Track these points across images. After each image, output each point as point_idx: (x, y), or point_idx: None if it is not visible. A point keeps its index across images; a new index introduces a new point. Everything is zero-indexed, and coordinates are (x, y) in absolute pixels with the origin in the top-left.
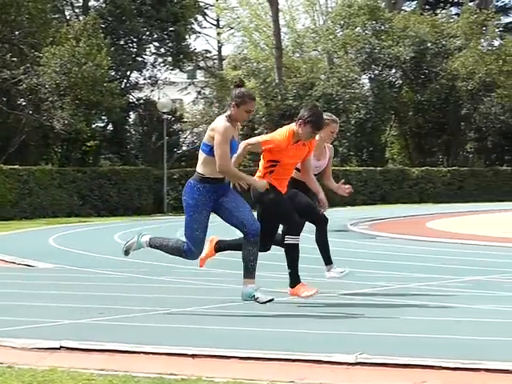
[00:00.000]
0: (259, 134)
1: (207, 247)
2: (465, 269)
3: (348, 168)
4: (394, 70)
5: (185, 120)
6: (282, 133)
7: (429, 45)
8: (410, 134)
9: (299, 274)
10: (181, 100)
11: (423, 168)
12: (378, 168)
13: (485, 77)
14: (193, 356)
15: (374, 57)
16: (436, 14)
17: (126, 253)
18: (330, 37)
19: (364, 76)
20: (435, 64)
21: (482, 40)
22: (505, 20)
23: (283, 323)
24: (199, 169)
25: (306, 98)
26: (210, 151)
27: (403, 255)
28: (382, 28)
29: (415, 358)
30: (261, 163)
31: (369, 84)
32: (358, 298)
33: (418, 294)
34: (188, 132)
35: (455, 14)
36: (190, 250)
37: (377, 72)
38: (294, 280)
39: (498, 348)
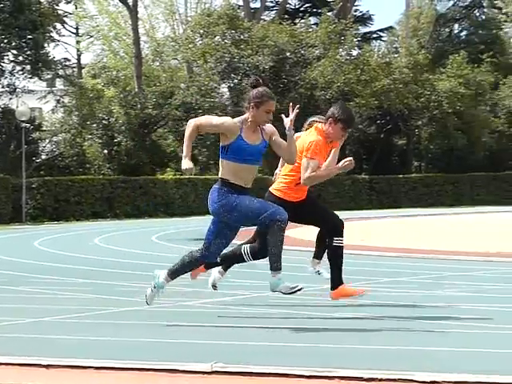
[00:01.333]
0: (119, 144)
1: None
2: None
3: (208, 177)
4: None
5: (44, 129)
6: (315, 134)
7: (288, 54)
8: None
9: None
10: (40, 108)
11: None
12: None
13: (343, 86)
14: (47, 366)
15: (233, 66)
16: (295, 24)
17: (150, 302)
18: (190, 46)
19: (223, 85)
20: (294, 73)
21: (341, 49)
22: (363, 30)
23: (139, 332)
24: (221, 174)
25: (165, 106)
26: (222, 152)
27: (264, 264)
28: (242, 37)
29: (270, 367)
30: (288, 169)
31: (228, 93)
32: (217, 306)
33: (276, 302)
34: (47, 141)
35: (314, 24)
36: (204, 256)
37: (236, 81)
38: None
39: (354, 355)
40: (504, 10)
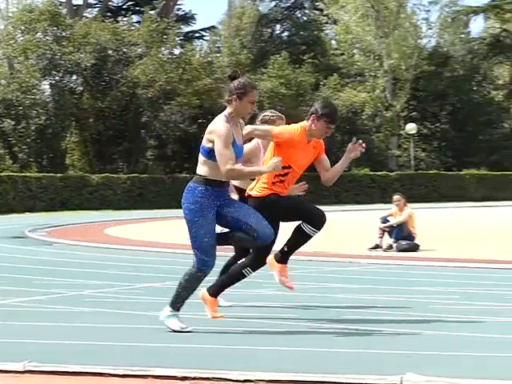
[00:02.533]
0: None
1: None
2: (140, 276)
3: (28, 174)
4: (75, 77)
5: None
6: (295, 127)
7: (110, 52)
8: (91, 141)
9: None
10: None
11: (103, 175)
12: (59, 174)
13: (165, 85)
14: None
15: (54, 63)
16: (118, 22)
17: (186, 331)
18: (11, 42)
19: (45, 82)
20: (116, 71)
21: (163, 48)
22: (185, 29)
23: None
24: (200, 170)
25: None
26: (207, 154)
27: (80, 262)
28: (64, 34)
29: (86, 366)
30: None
31: (50, 90)
32: (32, 304)
33: (92, 300)
34: None
35: (137, 22)
36: (202, 261)
37: (58, 78)
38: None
39: (168, 354)
40: (325, 12)
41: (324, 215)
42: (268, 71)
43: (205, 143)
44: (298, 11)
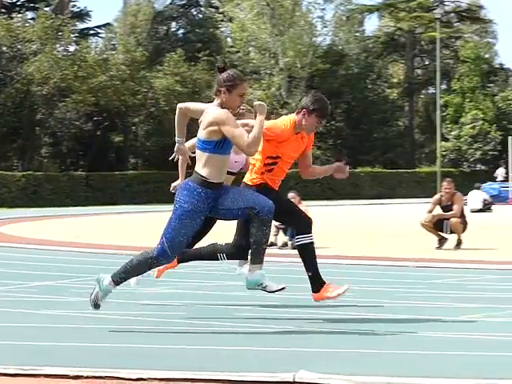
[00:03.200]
0: None
1: None
2: (34, 274)
3: None
4: None
5: None
6: (285, 121)
7: (4, 49)
8: None
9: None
10: None
11: None
12: None
13: (60, 82)
14: None
15: None
16: (12, 18)
17: (96, 306)
18: None
19: None
20: (10, 68)
21: (58, 45)
22: (80, 26)
23: None
24: (202, 171)
25: None
26: (215, 148)
27: None
28: None
29: None
30: (257, 160)
31: None
32: None
33: None
34: None
35: (31, 19)
36: (164, 253)
37: None
38: (316, 282)
39: (60, 353)
40: (221, 10)
41: (311, 219)
42: (163, 69)
43: (208, 137)
44: (193, 9)
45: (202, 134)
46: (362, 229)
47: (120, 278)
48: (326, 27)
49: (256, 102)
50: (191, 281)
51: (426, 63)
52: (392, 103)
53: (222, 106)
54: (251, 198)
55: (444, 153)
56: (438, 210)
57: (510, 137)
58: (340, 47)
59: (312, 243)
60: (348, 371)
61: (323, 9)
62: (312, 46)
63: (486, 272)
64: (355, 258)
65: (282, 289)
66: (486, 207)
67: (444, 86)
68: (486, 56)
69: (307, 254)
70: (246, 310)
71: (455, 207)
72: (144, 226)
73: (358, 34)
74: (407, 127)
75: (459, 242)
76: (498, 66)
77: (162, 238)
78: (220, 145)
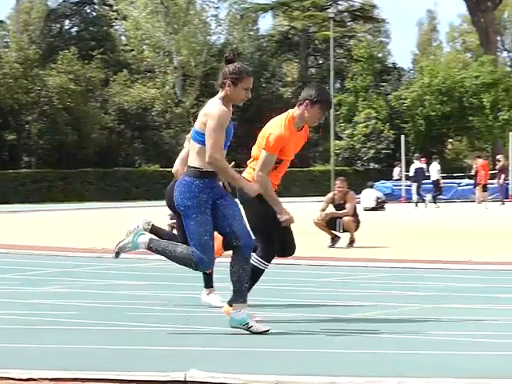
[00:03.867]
0: None
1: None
2: None
3: None
4: None
5: None
6: (279, 124)
7: None
8: None
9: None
10: None
11: None
12: None
13: None
14: None
15: None
16: None
17: (117, 255)
18: None
19: None
20: None
21: None
22: None
23: None
24: (194, 162)
25: None
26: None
27: None
28: None
29: None
30: (254, 161)
31: None
32: None
33: None
34: None
35: None
36: (201, 259)
37: None
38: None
39: None
40: (115, 8)
41: (294, 249)
42: (57, 67)
43: (199, 128)
44: (87, 7)
45: (197, 124)
46: None
47: (156, 249)
48: (220, 26)
49: (256, 188)
50: (83, 280)
51: (320, 62)
52: (286, 102)
53: (226, 98)
54: (242, 227)
55: (338, 151)
56: (331, 209)
57: (402, 136)
58: (234, 46)
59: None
60: (238, 370)
61: (217, 7)
62: (206, 45)
63: (378, 270)
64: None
65: (267, 331)
66: (379, 205)
67: (338, 85)
68: (379, 55)
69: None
70: (138, 310)
71: (348, 206)
72: (37, 225)
73: (252, 33)
74: None
75: (352, 241)
76: (390, 66)
77: (192, 249)
78: None
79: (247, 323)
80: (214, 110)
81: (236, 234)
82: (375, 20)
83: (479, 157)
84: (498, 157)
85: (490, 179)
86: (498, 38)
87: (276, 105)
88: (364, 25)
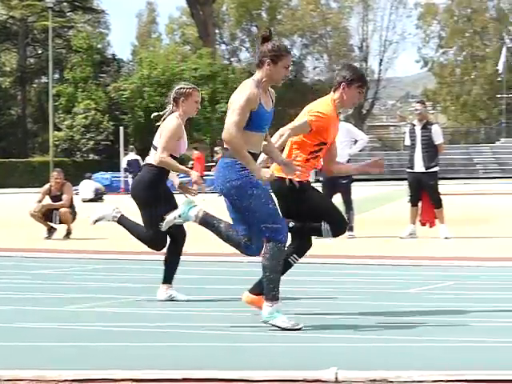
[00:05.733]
0: None
1: None
2: None
3: None
4: None
5: None
6: (327, 103)
7: None
8: None
9: None
10: None
11: None
12: None
13: None
14: None
15: None
16: None
17: (168, 223)
18: None
19: None
20: None
21: None
22: None
23: None
24: None
25: None
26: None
27: None
28: None
29: None
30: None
31: None
32: None
33: None
34: None
35: None
36: (277, 231)
37: None
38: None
39: None
40: None
41: (346, 222)
42: None
43: None
44: None
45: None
46: None
47: (207, 224)
48: None
49: (269, 174)
50: None
51: (39, 52)
52: (4, 92)
53: (265, 78)
54: (277, 217)
55: (57, 142)
56: (47, 200)
57: (121, 127)
58: None
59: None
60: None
61: None
62: None
63: (94, 262)
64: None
65: (300, 329)
66: (97, 197)
67: (57, 76)
68: (99, 46)
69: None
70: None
71: (64, 197)
72: None
73: None
74: (20, 116)
75: (68, 232)
76: (110, 57)
77: (261, 230)
78: (248, 121)
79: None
80: (245, 91)
81: (270, 225)
82: (94, 11)
83: (196, 148)
84: (216, 149)
85: (207, 171)
86: (217, 31)
87: None
88: (83, 15)
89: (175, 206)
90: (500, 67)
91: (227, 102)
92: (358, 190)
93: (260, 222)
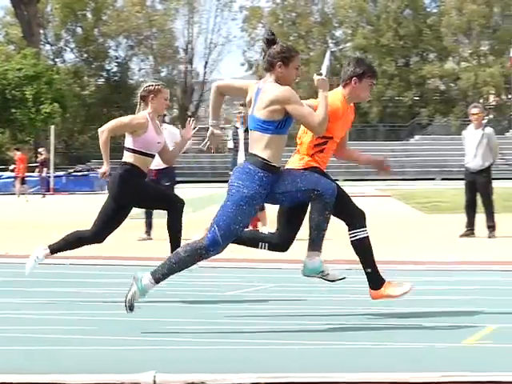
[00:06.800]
0: None
1: None
2: None
3: None
4: None
5: None
6: (337, 95)
7: None
8: None
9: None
10: None
11: None
12: None
13: None
14: None
15: None
16: None
17: (131, 308)
18: None
19: None
20: None
21: None
22: None
23: None
24: (263, 153)
25: None
26: (277, 127)
27: None
28: None
29: None
30: (303, 141)
31: None
32: None
33: None
34: None
35: None
36: (216, 243)
37: None
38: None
39: None
40: None
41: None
42: None
43: (269, 117)
44: None
45: (261, 113)
46: None
47: (163, 274)
48: None
49: (316, 77)
50: None
51: None
52: None
53: (277, 81)
54: (313, 180)
55: None
56: None
57: None
58: None
59: (368, 237)
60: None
61: None
62: None
63: None
64: None
65: (343, 278)
66: None
67: None
68: None
69: (365, 249)
70: None
71: None
72: None
73: None
74: None
75: None
76: None
77: (213, 226)
78: (282, 124)
79: (322, 271)
80: (285, 94)
81: (311, 188)
82: None
83: (18, 149)
84: (40, 150)
85: (31, 172)
86: (42, 31)
87: None
88: None
89: (164, 200)
90: (323, 71)
91: (51, 103)
92: (181, 191)
93: (217, 224)
